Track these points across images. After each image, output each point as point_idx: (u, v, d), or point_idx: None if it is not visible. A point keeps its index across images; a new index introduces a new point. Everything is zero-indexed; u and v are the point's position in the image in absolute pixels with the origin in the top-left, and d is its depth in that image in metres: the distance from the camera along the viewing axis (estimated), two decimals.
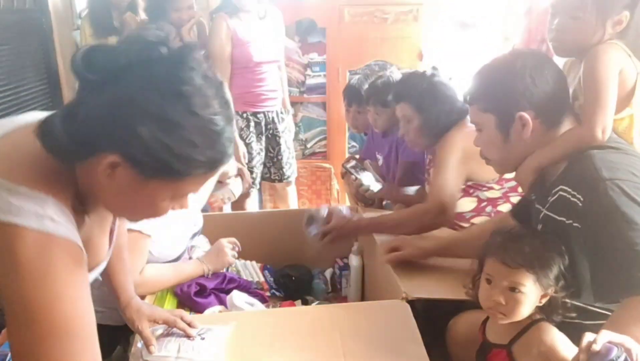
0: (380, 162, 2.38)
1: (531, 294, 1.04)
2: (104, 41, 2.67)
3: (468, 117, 1.39)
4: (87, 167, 0.77)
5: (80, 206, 0.84)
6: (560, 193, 1.08)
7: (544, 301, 1.06)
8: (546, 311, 1.07)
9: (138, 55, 0.73)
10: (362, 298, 1.80)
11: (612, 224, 0.98)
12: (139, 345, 1.14)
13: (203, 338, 1.15)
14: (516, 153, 1.17)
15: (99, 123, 0.72)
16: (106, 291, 1.18)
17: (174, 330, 1.17)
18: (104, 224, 0.97)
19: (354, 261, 1.84)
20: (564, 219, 1.07)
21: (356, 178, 2.00)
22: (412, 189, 2.05)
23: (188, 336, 1.14)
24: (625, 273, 0.97)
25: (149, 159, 0.73)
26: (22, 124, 0.83)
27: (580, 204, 1.03)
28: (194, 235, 1.64)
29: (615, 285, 0.99)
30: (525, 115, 1.11)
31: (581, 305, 1.09)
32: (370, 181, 2.02)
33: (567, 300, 1.05)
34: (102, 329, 1.33)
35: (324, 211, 1.67)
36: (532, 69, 1.10)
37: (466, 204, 1.72)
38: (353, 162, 2.20)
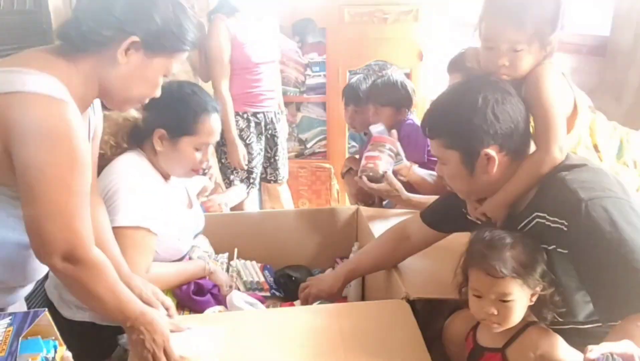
0: None
1: (521, 299, 1.04)
2: None
3: None
4: (99, 57, 1.02)
5: (77, 102, 1.00)
6: (537, 220, 1.08)
7: (534, 299, 1.06)
8: (537, 310, 1.07)
9: None
10: (362, 298, 1.80)
11: (600, 245, 0.97)
12: None
13: (190, 329, 1.20)
14: (483, 185, 1.16)
15: (122, 12, 0.99)
16: None
17: None
18: None
19: None
20: (545, 246, 1.07)
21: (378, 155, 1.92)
22: (426, 173, 2.02)
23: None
24: (622, 291, 0.96)
25: (158, 37, 1.03)
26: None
27: (565, 229, 1.02)
28: (196, 235, 1.65)
29: (615, 304, 0.98)
30: (491, 152, 1.10)
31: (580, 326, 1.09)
32: (390, 155, 1.92)
33: (556, 296, 1.06)
34: (102, 329, 1.35)
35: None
36: (494, 104, 1.09)
37: None
38: (380, 128, 2.04)
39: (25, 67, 0.95)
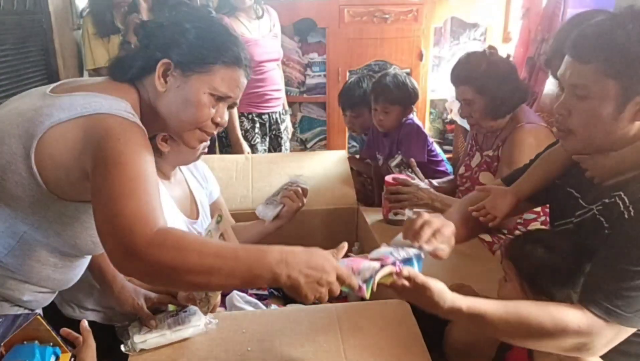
0: (381, 162, 2.38)
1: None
2: (106, 40, 2.68)
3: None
4: (145, 85, 1.05)
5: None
6: (617, 199, 0.99)
7: None
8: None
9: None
10: (362, 298, 1.80)
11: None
12: (136, 338, 1.15)
13: (185, 312, 1.21)
14: (615, 136, 0.98)
15: (153, 40, 1.04)
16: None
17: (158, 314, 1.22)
18: None
19: None
20: (608, 226, 1.00)
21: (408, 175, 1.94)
22: (440, 182, 2.03)
23: (172, 315, 1.20)
24: (608, 282, 0.94)
25: (187, 55, 1.02)
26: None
27: (626, 217, 0.96)
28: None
29: (590, 286, 0.97)
30: None
31: None
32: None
33: None
34: (102, 329, 1.35)
35: None
36: None
37: None
38: (398, 160, 2.07)
39: (102, 93, 0.99)
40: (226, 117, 1.10)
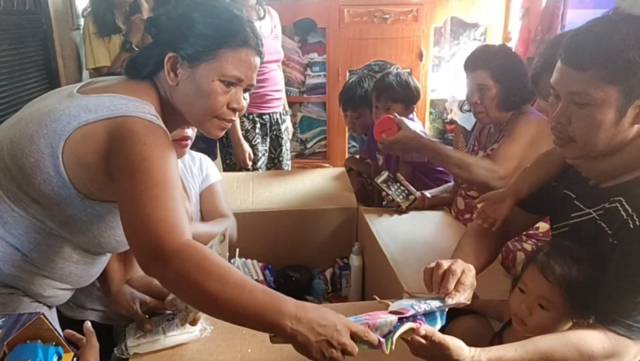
0: (381, 162, 2.38)
1: (558, 314, 1.00)
2: (107, 40, 2.67)
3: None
4: (162, 79, 1.04)
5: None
6: (618, 206, 0.97)
7: (569, 325, 1.02)
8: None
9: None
10: (362, 298, 1.80)
11: None
12: (129, 342, 1.15)
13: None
14: (615, 140, 0.97)
15: (162, 36, 1.04)
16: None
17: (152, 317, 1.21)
18: None
19: (354, 261, 1.84)
20: (611, 233, 0.98)
21: (387, 194, 1.93)
22: (440, 190, 2.03)
23: (168, 320, 1.19)
24: (625, 297, 0.92)
25: (192, 45, 1.01)
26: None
27: (631, 226, 0.94)
28: None
29: (616, 309, 0.94)
30: None
31: None
32: (399, 195, 1.95)
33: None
34: (102, 329, 1.35)
35: None
36: None
37: None
38: (384, 176, 1.99)
39: (127, 94, 0.99)
40: (243, 101, 1.08)
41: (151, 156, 0.91)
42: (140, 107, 0.98)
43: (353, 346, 0.87)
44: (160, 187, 0.89)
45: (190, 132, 1.48)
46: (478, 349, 0.93)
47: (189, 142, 1.50)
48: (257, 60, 1.07)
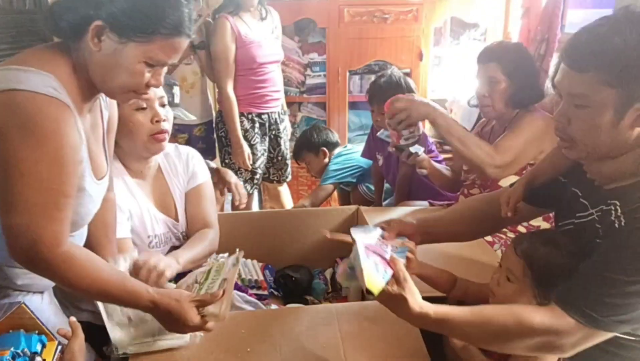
0: (381, 162, 2.38)
1: (521, 292, 1.05)
2: None
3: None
4: (81, 46, 0.99)
5: (78, 97, 1.02)
6: (612, 207, 0.98)
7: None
8: None
9: None
10: (362, 298, 1.80)
11: (627, 252, 0.92)
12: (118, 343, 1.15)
13: None
14: (616, 143, 0.96)
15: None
16: None
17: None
18: (97, 131, 1.16)
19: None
20: (602, 235, 1.00)
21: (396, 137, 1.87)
22: (443, 167, 2.03)
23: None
24: (591, 288, 0.93)
25: (125, 19, 0.95)
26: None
27: (616, 226, 0.96)
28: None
29: (573, 289, 0.96)
30: None
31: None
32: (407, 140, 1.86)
33: None
34: (99, 329, 1.34)
35: None
36: None
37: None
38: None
39: (24, 65, 0.94)
40: (162, 79, 1.06)
41: (28, 156, 0.91)
42: (36, 79, 0.93)
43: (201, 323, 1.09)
44: (37, 193, 0.92)
45: (167, 125, 1.44)
46: (427, 303, 0.98)
47: (166, 136, 1.46)
48: (187, 42, 1.05)
